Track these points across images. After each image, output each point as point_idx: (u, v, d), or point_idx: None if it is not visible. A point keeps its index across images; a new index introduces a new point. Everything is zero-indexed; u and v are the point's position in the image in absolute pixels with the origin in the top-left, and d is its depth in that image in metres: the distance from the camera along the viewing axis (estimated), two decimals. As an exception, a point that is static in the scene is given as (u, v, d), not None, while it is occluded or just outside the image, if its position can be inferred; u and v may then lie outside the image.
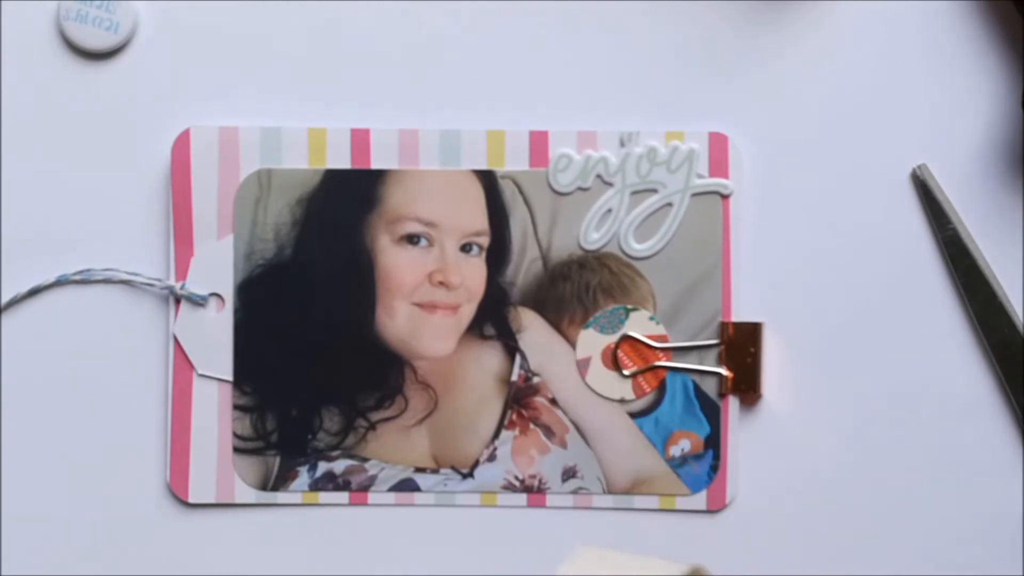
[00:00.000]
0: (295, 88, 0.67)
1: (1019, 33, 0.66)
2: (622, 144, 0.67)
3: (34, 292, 0.68)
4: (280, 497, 0.67)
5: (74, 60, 0.68)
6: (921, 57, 0.66)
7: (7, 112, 0.68)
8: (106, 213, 0.67)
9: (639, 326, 0.67)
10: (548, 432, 0.67)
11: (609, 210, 0.67)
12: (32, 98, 0.68)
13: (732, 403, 0.67)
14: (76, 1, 0.67)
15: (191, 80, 0.67)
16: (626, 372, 0.67)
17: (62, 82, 0.68)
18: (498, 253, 0.67)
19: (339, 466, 0.67)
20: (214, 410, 0.67)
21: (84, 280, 0.67)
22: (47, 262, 0.68)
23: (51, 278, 0.67)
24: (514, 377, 0.67)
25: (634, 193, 0.67)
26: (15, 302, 0.68)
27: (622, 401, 0.67)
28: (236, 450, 0.67)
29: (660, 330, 0.67)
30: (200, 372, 0.67)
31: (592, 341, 0.67)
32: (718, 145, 0.66)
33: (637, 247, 0.67)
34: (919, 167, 0.66)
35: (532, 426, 0.67)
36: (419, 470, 0.67)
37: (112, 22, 0.67)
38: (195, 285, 0.67)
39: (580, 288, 0.67)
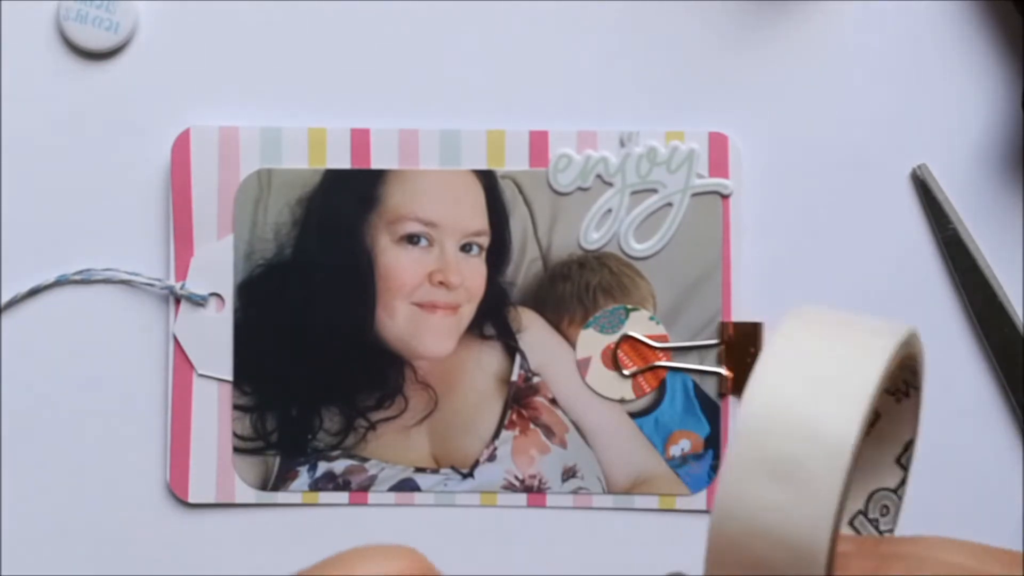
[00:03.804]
0: (295, 88, 0.67)
1: (1019, 33, 0.66)
2: (622, 144, 0.66)
3: (34, 292, 0.68)
4: (280, 497, 0.67)
5: (74, 60, 0.68)
6: (921, 57, 0.66)
7: (7, 112, 0.68)
8: (106, 213, 0.67)
9: (639, 326, 0.67)
10: (548, 432, 0.67)
11: (609, 210, 0.67)
12: (32, 98, 0.68)
13: (732, 403, 0.67)
14: (76, 1, 0.67)
15: (191, 80, 0.67)
16: (626, 372, 0.67)
17: (62, 82, 0.68)
18: (498, 253, 0.67)
19: (339, 466, 0.67)
20: (214, 410, 0.67)
21: (84, 280, 0.67)
22: (47, 262, 0.68)
23: (51, 278, 0.67)
24: (514, 377, 0.67)
25: (634, 193, 0.67)
26: (15, 302, 0.68)
27: (622, 401, 0.67)
28: (236, 450, 0.67)
29: (660, 330, 0.67)
30: (200, 372, 0.67)
31: (592, 341, 0.67)
32: (718, 145, 0.66)
33: (637, 247, 0.67)
34: (919, 167, 0.66)
35: (532, 426, 0.67)
36: (419, 470, 0.67)
37: (112, 22, 0.67)
38: (195, 285, 0.67)
39: (580, 288, 0.67)
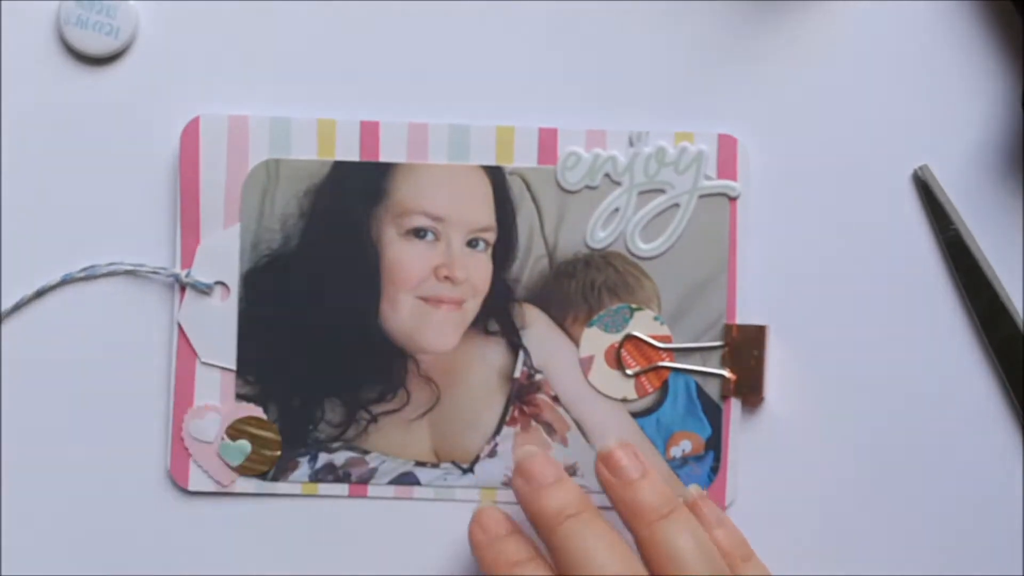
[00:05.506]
0: (305, 78, 0.67)
1: (1019, 33, 0.67)
2: (631, 144, 0.67)
3: (40, 293, 0.67)
4: (280, 487, 0.67)
5: (74, 64, 0.68)
6: (923, 58, 0.67)
7: (8, 117, 0.67)
8: (113, 202, 0.67)
9: (643, 326, 0.67)
10: (549, 429, 0.67)
11: (616, 209, 0.67)
12: (33, 100, 0.67)
13: (734, 405, 0.67)
14: (76, 2, 0.67)
15: (194, 80, 0.67)
16: (629, 372, 0.67)
17: (62, 83, 0.67)
18: (504, 249, 0.67)
19: (339, 458, 0.66)
20: (216, 399, 0.66)
21: (89, 276, 0.67)
22: (54, 251, 0.67)
23: (56, 278, 0.67)
24: (517, 374, 0.67)
25: (642, 193, 0.67)
26: (22, 304, 0.67)
27: (624, 400, 0.67)
28: (236, 440, 0.67)
29: (664, 330, 0.67)
30: (203, 360, 0.66)
31: (596, 340, 0.67)
32: (727, 147, 0.67)
33: (643, 247, 0.67)
34: (920, 168, 0.67)
35: (533, 423, 0.67)
36: (419, 464, 0.67)
37: (112, 27, 0.67)
38: (201, 273, 0.67)
39: (585, 286, 0.67)
